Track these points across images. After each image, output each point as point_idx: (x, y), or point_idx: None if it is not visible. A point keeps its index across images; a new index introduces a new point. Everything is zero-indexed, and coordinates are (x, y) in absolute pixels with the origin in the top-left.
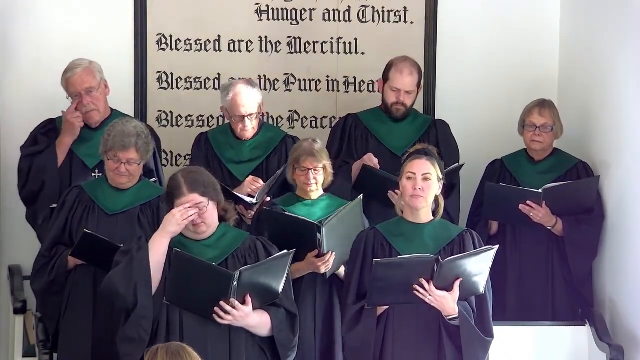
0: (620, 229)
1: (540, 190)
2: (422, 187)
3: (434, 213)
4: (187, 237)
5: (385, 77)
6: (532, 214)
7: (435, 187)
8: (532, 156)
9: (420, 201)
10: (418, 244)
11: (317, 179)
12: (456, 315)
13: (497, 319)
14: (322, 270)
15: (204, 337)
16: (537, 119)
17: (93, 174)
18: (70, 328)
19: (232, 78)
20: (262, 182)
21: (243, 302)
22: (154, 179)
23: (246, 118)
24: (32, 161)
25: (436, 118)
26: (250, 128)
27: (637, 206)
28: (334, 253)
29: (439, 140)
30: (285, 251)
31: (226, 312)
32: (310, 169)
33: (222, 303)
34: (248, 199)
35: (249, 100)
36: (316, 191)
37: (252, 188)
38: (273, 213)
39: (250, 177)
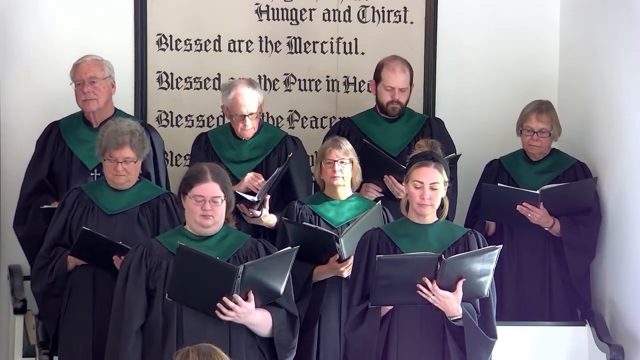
0: (620, 228)
1: (537, 192)
2: (430, 196)
3: (439, 214)
4: (189, 237)
5: (377, 77)
6: (529, 215)
7: (442, 192)
8: (530, 157)
9: (428, 209)
10: (422, 244)
11: (343, 172)
12: (460, 317)
13: (496, 319)
14: (345, 274)
15: (204, 338)
16: (534, 124)
17: (92, 174)
18: (70, 329)
19: (231, 78)
20: (262, 178)
21: (245, 299)
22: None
23: (247, 117)
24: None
25: (434, 117)
26: (250, 127)
27: (637, 206)
28: None
29: (434, 139)
30: (289, 248)
31: (229, 308)
32: (336, 161)
33: (225, 299)
34: (249, 197)
35: (250, 99)
36: (343, 187)
37: (254, 185)
38: (293, 223)
39: (252, 173)
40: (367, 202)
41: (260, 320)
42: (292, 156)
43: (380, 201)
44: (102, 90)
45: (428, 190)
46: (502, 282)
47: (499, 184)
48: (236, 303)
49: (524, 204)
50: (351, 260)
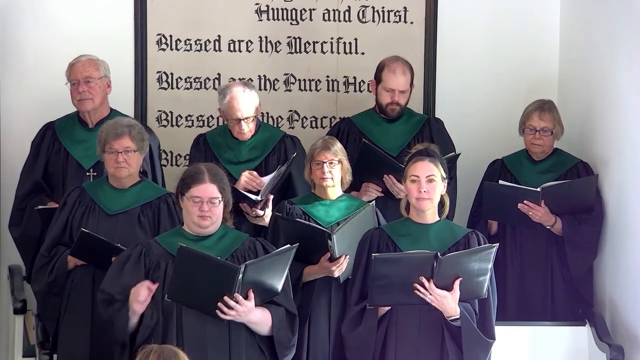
0: (620, 228)
1: (538, 189)
2: (427, 189)
3: (440, 213)
4: (187, 238)
5: (378, 78)
6: (531, 213)
7: (440, 187)
8: (532, 156)
9: (426, 203)
10: (423, 244)
11: (332, 173)
12: (458, 316)
13: (497, 319)
14: (336, 274)
15: (203, 337)
16: (537, 122)
17: (88, 174)
18: (69, 328)
19: (232, 78)
20: (258, 177)
21: (245, 298)
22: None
23: (242, 121)
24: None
25: (434, 117)
26: (247, 130)
27: (637, 205)
28: (347, 257)
29: (433, 138)
30: (288, 246)
31: (230, 308)
32: (325, 162)
33: (225, 298)
34: (252, 197)
35: (246, 103)
36: (333, 187)
37: (252, 185)
38: (286, 219)
39: (247, 172)
40: (357, 202)
41: (260, 318)
42: (295, 156)
43: (374, 202)
44: (98, 90)
45: (425, 183)
46: (505, 281)
47: (500, 182)
48: (237, 302)
49: (525, 201)
50: (342, 260)
